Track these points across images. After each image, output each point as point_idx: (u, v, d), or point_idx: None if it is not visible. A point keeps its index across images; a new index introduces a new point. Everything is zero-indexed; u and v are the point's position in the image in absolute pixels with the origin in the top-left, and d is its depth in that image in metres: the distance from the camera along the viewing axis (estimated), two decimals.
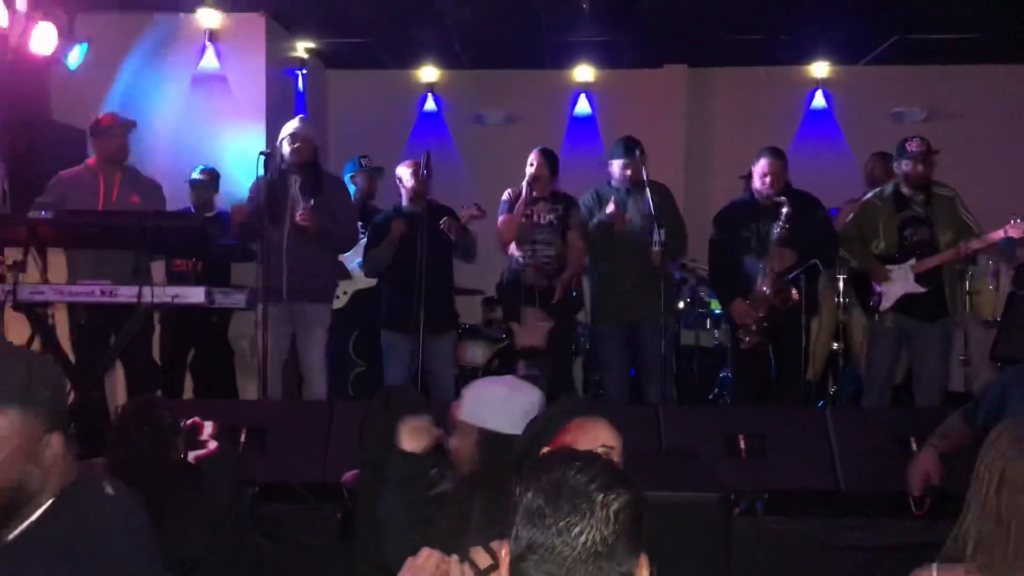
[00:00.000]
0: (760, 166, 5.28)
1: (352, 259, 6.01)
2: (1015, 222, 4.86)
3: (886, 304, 5.21)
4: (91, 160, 5.38)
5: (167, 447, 2.93)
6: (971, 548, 1.62)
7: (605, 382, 5.67)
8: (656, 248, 5.17)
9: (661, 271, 5.23)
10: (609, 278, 5.47)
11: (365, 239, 5.81)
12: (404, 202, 5.59)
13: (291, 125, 5.30)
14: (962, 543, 1.66)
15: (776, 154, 5.30)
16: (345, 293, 6.05)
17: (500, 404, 2.54)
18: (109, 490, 1.94)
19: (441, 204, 5.68)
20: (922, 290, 5.12)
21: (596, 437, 2.14)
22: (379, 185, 6.59)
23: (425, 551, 1.82)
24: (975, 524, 1.62)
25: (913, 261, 5.16)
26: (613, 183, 5.48)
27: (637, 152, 5.33)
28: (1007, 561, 1.58)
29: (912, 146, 5.24)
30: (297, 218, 5.07)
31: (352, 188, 6.25)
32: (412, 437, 2.61)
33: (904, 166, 5.23)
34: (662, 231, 5.15)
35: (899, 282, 5.18)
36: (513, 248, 5.57)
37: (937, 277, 5.17)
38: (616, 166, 5.43)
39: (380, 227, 5.57)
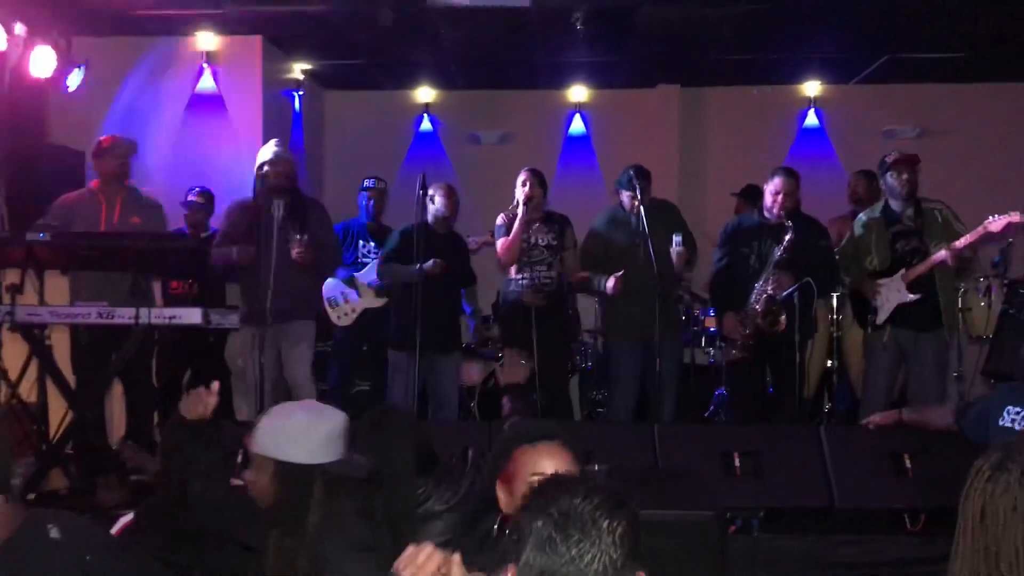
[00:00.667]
0: (773, 184, 5.29)
1: (366, 276, 6.03)
2: (994, 217, 4.87)
3: (882, 316, 5.22)
4: (93, 183, 5.41)
5: (229, 472, 2.84)
6: None
7: (615, 398, 5.65)
8: (678, 249, 5.23)
9: (680, 275, 5.36)
10: (624, 295, 5.44)
11: (383, 251, 5.84)
12: (430, 218, 5.57)
13: (268, 149, 5.29)
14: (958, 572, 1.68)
15: (790, 174, 5.31)
16: (354, 311, 6.07)
17: (298, 433, 2.36)
18: (55, 534, 1.85)
19: (455, 232, 5.78)
20: (914, 298, 5.13)
21: (547, 465, 2.00)
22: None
23: (428, 548, 1.78)
24: (967, 557, 1.65)
25: (903, 271, 5.18)
26: (624, 206, 5.49)
27: (646, 183, 5.38)
28: None
29: (893, 157, 5.30)
30: (293, 255, 5.09)
31: (362, 205, 6.27)
32: None
33: (890, 178, 5.27)
34: (679, 237, 5.24)
35: (893, 293, 5.20)
36: (512, 270, 5.62)
37: (931, 287, 5.17)
38: (626, 197, 5.44)
39: (407, 239, 5.55)
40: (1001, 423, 3.54)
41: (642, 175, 5.39)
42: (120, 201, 5.29)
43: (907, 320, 5.19)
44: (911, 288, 5.14)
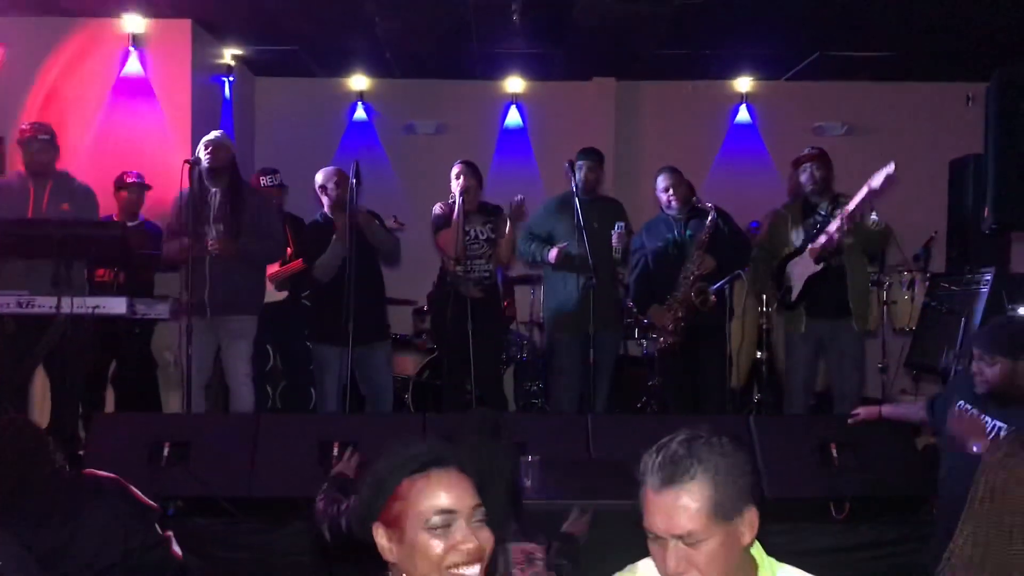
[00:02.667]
0: (660, 183, 5.55)
1: None
2: (873, 176, 4.99)
3: (795, 293, 5.31)
4: (22, 168, 5.23)
5: (40, 463, 2.84)
6: (979, 558, 1.70)
7: (558, 390, 5.68)
8: (619, 231, 5.41)
9: (622, 261, 5.49)
10: (565, 289, 5.53)
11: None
12: (326, 210, 5.53)
13: (208, 136, 5.22)
14: (963, 558, 1.76)
15: (671, 170, 5.59)
16: None
17: None
18: None
19: (369, 210, 5.64)
20: (818, 268, 5.20)
21: (445, 498, 1.62)
22: (285, 200, 6.45)
23: None
24: (978, 530, 1.72)
25: (809, 246, 5.26)
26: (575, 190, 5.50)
27: (594, 158, 5.62)
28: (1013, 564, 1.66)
29: (805, 153, 5.49)
30: (208, 247, 4.98)
31: None
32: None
33: (803, 174, 5.43)
34: (621, 225, 5.44)
35: (803, 268, 5.29)
36: (450, 262, 5.59)
37: (841, 278, 5.27)
38: (571, 177, 5.52)
39: (316, 233, 5.50)
40: (950, 414, 3.62)
41: (588, 154, 5.60)
42: (50, 187, 5.13)
43: (820, 309, 5.30)
44: (817, 261, 5.23)
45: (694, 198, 5.58)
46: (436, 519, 1.60)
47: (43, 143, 5.14)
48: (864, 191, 5.05)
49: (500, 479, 2.58)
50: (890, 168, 4.97)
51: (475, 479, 1.66)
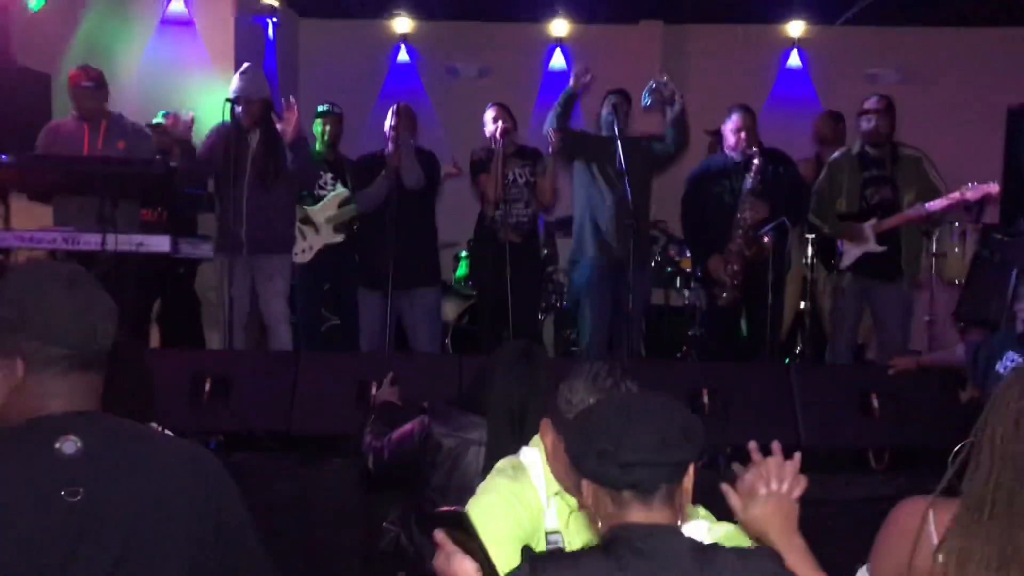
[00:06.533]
0: (733, 122, 5.31)
1: (321, 215, 5.89)
2: (972, 185, 4.89)
3: (846, 261, 5.24)
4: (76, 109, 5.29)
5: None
6: (990, 495, 1.60)
7: (588, 335, 5.50)
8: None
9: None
10: (595, 229, 5.35)
11: (338, 188, 5.73)
12: (389, 147, 5.43)
13: (235, 83, 5.16)
14: (976, 495, 1.64)
15: (747, 110, 5.36)
16: (312, 248, 5.94)
17: None
18: None
19: (423, 149, 5.58)
20: (881, 249, 5.14)
21: None
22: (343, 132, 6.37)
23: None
24: (994, 471, 1.61)
25: (874, 221, 5.18)
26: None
27: (625, 95, 5.48)
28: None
29: (870, 103, 5.31)
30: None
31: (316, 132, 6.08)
32: None
33: (864, 124, 5.28)
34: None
35: (861, 241, 5.20)
36: (489, 206, 5.54)
37: (895, 237, 5.19)
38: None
39: (367, 164, 5.48)
40: (998, 367, 3.53)
41: (617, 95, 5.43)
42: (104, 127, 5.17)
43: (869, 269, 5.21)
44: (879, 239, 5.14)
45: (749, 152, 5.27)
46: None
47: (88, 89, 5.17)
48: (956, 198, 4.94)
49: (542, 407, 2.59)
50: (993, 188, 4.87)
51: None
